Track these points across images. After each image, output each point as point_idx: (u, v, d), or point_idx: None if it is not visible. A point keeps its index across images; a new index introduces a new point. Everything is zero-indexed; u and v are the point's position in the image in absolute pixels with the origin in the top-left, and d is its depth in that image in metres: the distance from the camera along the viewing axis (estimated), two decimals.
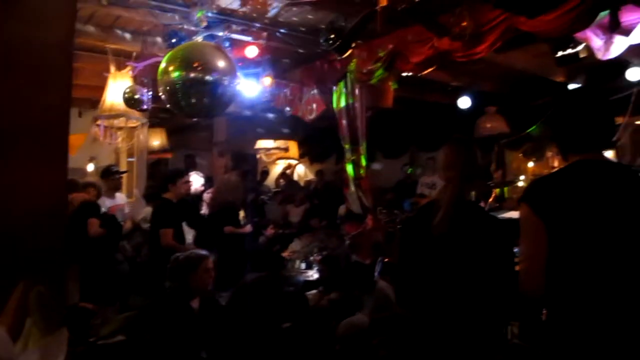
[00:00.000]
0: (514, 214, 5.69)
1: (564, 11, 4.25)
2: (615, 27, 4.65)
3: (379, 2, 4.54)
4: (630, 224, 2.13)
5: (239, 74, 5.78)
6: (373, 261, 5.99)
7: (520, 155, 10.73)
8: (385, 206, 7.44)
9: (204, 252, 4.34)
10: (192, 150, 11.60)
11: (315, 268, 6.88)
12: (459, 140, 2.95)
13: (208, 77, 4.79)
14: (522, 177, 10.81)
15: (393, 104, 7.48)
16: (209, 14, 5.49)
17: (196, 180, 7.43)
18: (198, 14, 5.34)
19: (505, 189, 9.03)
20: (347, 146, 6.69)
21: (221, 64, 4.93)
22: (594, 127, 2.26)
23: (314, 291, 6.02)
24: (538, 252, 2.19)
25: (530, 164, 10.74)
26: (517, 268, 2.41)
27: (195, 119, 8.59)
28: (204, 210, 7.52)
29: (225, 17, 5.78)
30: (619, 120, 8.16)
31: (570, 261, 2.15)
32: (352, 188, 6.60)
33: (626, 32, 5.46)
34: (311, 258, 7.67)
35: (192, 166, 10.17)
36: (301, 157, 12.89)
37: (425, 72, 5.83)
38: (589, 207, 2.14)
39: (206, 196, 7.62)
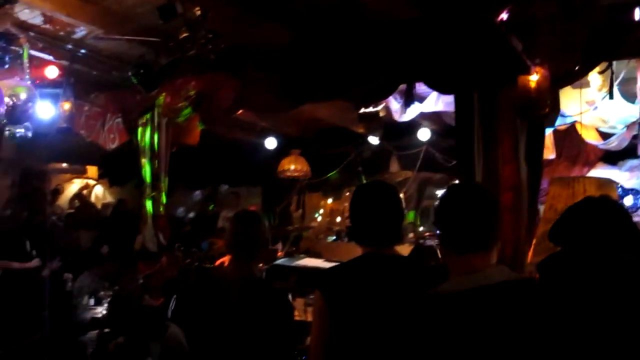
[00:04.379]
0: (309, 262, 5.92)
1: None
2: (410, 101, 5.07)
3: (192, 46, 4.51)
4: (399, 318, 2.28)
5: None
6: (165, 303, 5.81)
7: (320, 194, 11.25)
8: (183, 242, 7.31)
9: None
10: None
11: (105, 305, 6.54)
12: (247, 216, 3.03)
13: None
14: (320, 212, 11.33)
15: (199, 139, 7.41)
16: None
17: None
18: None
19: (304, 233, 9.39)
20: (148, 181, 6.45)
21: None
22: (382, 226, 2.43)
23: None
24: (319, 342, 2.35)
25: (329, 201, 11.30)
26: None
27: None
28: None
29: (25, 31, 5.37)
30: (408, 174, 8.91)
31: (347, 350, 2.29)
32: (150, 225, 6.37)
33: (421, 99, 6.00)
34: (102, 293, 7.27)
35: None
36: (100, 178, 12.20)
37: (231, 115, 5.89)
38: (367, 300, 2.29)
39: None
